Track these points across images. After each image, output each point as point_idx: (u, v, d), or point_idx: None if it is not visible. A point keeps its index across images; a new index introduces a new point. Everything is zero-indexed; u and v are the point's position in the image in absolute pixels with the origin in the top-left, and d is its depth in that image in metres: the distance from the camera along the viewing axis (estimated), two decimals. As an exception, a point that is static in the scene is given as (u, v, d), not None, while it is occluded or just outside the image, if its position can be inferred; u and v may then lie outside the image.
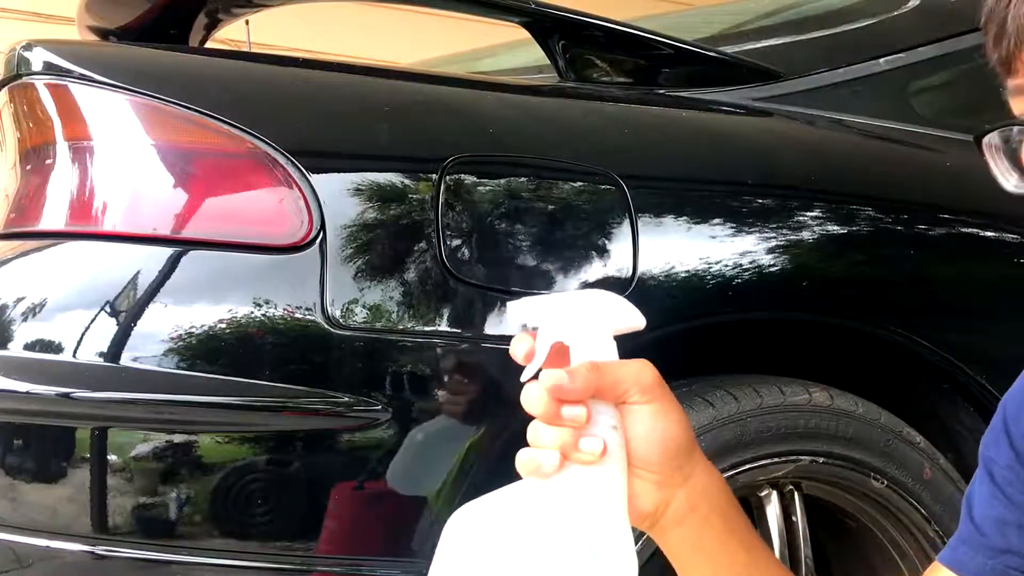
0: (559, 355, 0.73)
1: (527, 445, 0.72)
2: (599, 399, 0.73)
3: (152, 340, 1.14)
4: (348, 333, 1.15)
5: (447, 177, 1.21)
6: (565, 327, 0.73)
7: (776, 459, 1.29)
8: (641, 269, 1.26)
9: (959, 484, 1.42)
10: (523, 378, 0.73)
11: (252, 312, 1.15)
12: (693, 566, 0.78)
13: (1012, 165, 0.75)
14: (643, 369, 0.74)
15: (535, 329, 0.74)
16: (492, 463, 1.21)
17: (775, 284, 1.34)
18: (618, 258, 1.26)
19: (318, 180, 1.18)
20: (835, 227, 1.40)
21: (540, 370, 0.72)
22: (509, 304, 0.75)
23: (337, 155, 1.25)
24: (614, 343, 0.75)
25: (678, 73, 1.55)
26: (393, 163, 1.24)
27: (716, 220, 1.33)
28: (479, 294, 1.20)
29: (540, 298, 0.75)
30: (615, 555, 0.71)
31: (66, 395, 1.15)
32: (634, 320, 0.76)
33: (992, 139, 0.75)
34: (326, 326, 1.15)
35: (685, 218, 1.32)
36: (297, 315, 1.15)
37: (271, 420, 1.17)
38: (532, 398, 0.71)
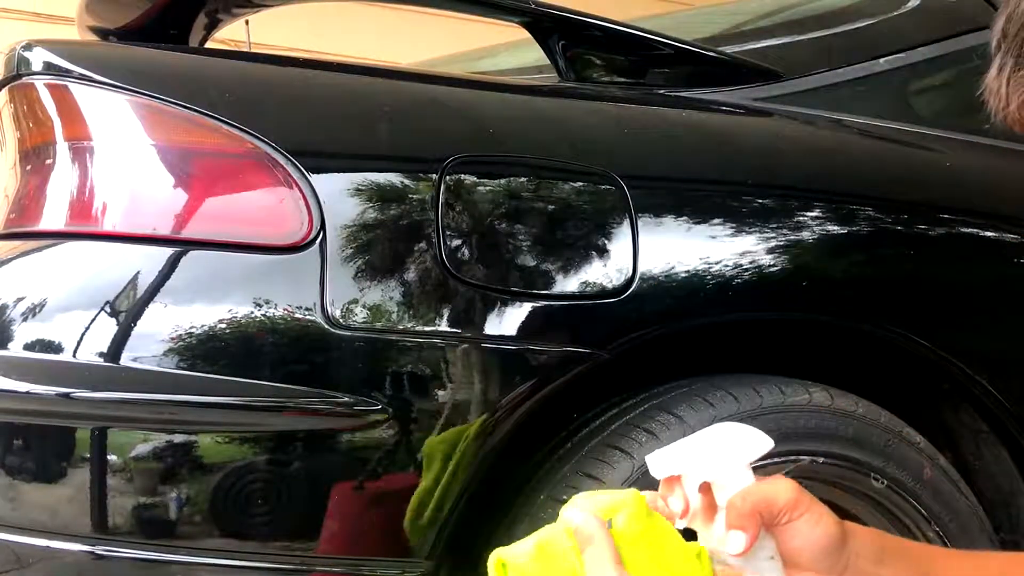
0: (703, 489, 0.82)
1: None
2: None
3: (152, 340, 1.14)
4: (348, 333, 1.15)
5: (447, 177, 1.21)
6: (706, 468, 0.81)
7: (776, 459, 1.29)
8: (641, 269, 1.26)
9: (959, 484, 1.42)
10: (679, 526, 0.81)
11: (252, 312, 1.15)
12: None
13: None
14: (784, 487, 0.81)
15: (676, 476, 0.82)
16: (492, 462, 1.21)
17: (775, 284, 1.34)
18: (618, 258, 1.26)
19: (318, 180, 1.18)
20: (835, 227, 1.40)
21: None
22: (648, 459, 0.83)
23: (337, 155, 1.25)
24: (750, 471, 0.82)
25: (678, 73, 1.55)
26: (393, 163, 1.24)
27: (716, 220, 1.33)
28: (479, 294, 1.20)
29: (675, 447, 0.83)
30: None
31: (66, 395, 1.15)
32: (763, 445, 0.83)
33: None
34: (326, 326, 1.15)
35: (685, 218, 1.32)
36: (297, 315, 1.15)
37: (271, 420, 1.17)
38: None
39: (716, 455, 0.82)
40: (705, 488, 0.82)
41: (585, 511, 0.77)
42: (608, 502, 0.79)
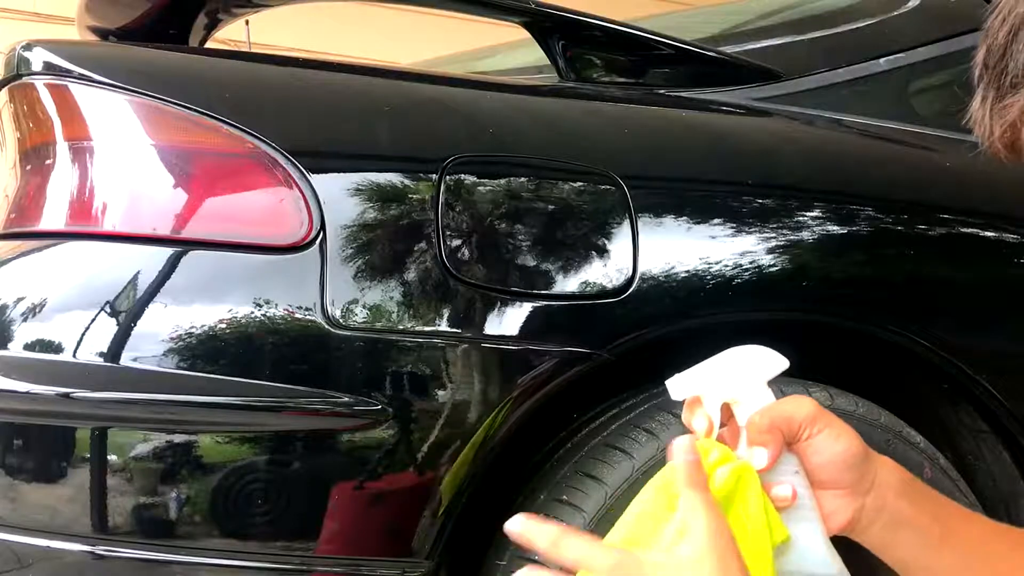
0: (724, 411, 0.84)
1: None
2: None
3: (152, 340, 1.14)
4: (348, 333, 1.15)
5: (447, 177, 1.21)
6: (725, 387, 0.83)
7: (776, 459, 1.29)
8: (641, 269, 1.26)
9: (959, 484, 1.42)
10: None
11: (252, 312, 1.15)
12: (893, 550, 0.86)
13: None
14: (802, 403, 0.83)
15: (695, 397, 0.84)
16: (492, 462, 1.21)
17: (775, 284, 1.34)
18: (618, 258, 1.26)
19: (318, 180, 1.18)
20: (835, 227, 1.40)
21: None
22: (667, 383, 0.85)
23: (337, 155, 1.25)
24: (769, 390, 0.84)
25: (678, 73, 1.55)
26: (393, 163, 1.24)
27: (716, 220, 1.33)
28: (479, 294, 1.20)
29: (693, 370, 0.84)
30: None
31: (66, 395, 1.15)
32: (779, 364, 0.85)
33: None
34: (326, 326, 1.15)
35: (685, 218, 1.32)
36: (297, 315, 1.15)
37: (271, 420, 1.17)
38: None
39: (734, 374, 0.84)
40: (727, 411, 0.84)
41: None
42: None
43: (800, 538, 0.83)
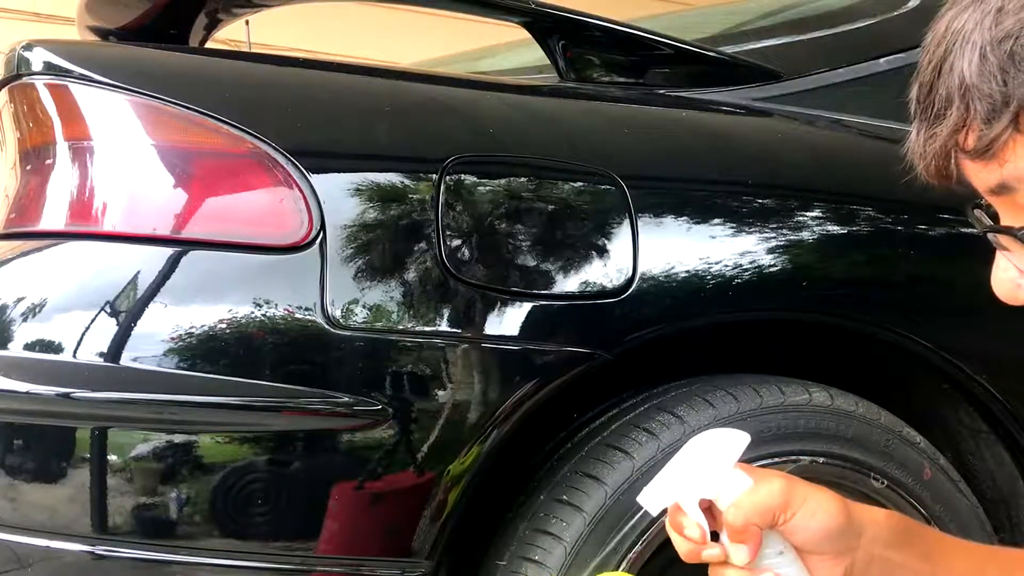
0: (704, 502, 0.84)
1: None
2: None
3: (152, 340, 1.14)
4: (348, 333, 1.15)
5: (447, 177, 1.21)
6: (699, 488, 0.83)
7: (776, 459, 1.29)
8: (641, 269, 1.26)
9: (959, 484, 1.42)
10: (703, 554, 0.84)
11: (252, 312, 1.15)
12: None
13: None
14: (773, 490, 0.84)
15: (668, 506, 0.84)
16: (492, 462, 1.21)
17: (775, 284, 1.34)
18: (618, 258, 1.26)
19: (318, 180, 1.18)
20: (835, 227, 1.40)
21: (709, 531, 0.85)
22: (639, 499, 0.85)
23: (337, 155, 1.25)
24: (739, 471, 0.84)
25: (678, 73, 1.55)
26: (393, 163, 1.24)
27: (716, 220, 1.33)
28: (479, 294, 1.20)
29: (660, 478, 0.85)
30: None
31: (66, 395, 1.15)
32: (741, 442, 0.85)
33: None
34: (326, 326, 1.15)
35: (685, 218, 1.32)
36: (297, 315, 1.15)
37: (271, 420, 1.17)
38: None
39: (702, 470, 0.84)
40: (706, 502, 0.84)
41: None
42: None
43: None
